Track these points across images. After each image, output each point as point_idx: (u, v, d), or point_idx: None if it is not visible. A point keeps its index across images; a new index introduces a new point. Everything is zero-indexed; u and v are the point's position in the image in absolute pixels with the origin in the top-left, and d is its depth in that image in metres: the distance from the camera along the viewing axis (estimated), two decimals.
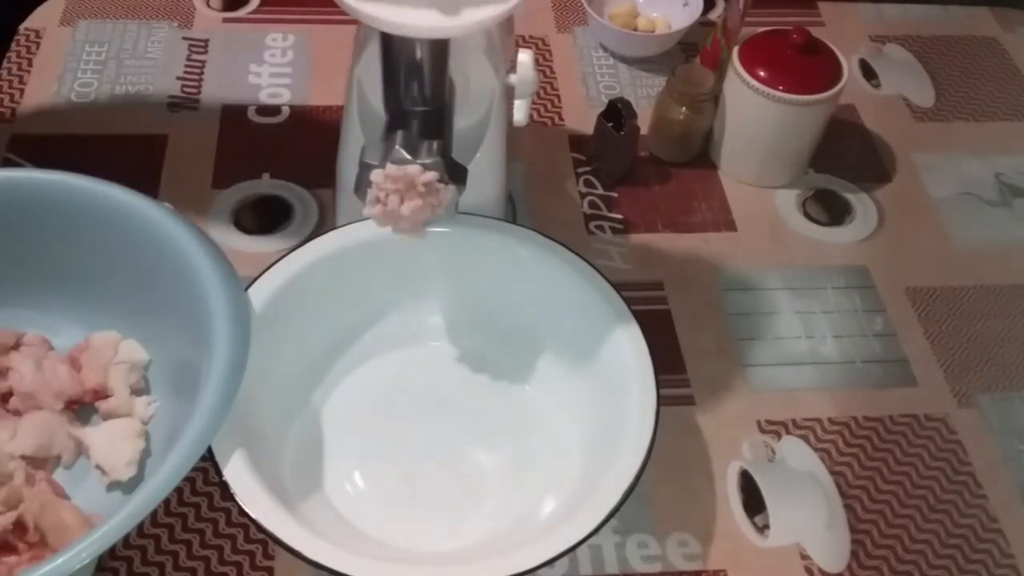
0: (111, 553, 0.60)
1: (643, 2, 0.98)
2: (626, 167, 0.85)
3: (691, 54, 0.95)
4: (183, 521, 0.62)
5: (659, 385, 0.59)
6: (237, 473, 0.53)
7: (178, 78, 0.90)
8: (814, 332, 0.76)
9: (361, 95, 0.65)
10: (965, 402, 0.72)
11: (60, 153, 0.82)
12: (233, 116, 0.87)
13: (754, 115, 0.81)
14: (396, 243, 0.62)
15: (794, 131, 0.82)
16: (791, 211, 0.84)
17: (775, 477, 0.67)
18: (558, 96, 0.92)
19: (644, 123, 0.85)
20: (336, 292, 0.66)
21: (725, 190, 0.85)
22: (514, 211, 0.80)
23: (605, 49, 0.97)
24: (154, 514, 0.60)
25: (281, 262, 0.64)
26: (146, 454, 0.62)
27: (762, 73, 0.79)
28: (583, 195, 0.83)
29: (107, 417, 0.64)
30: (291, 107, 0.88)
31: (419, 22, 0.52)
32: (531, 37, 0.98)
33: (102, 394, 0.64)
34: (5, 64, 0.89)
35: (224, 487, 0.53)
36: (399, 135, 0.57)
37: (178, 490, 0.58)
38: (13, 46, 0.91)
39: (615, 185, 0.84)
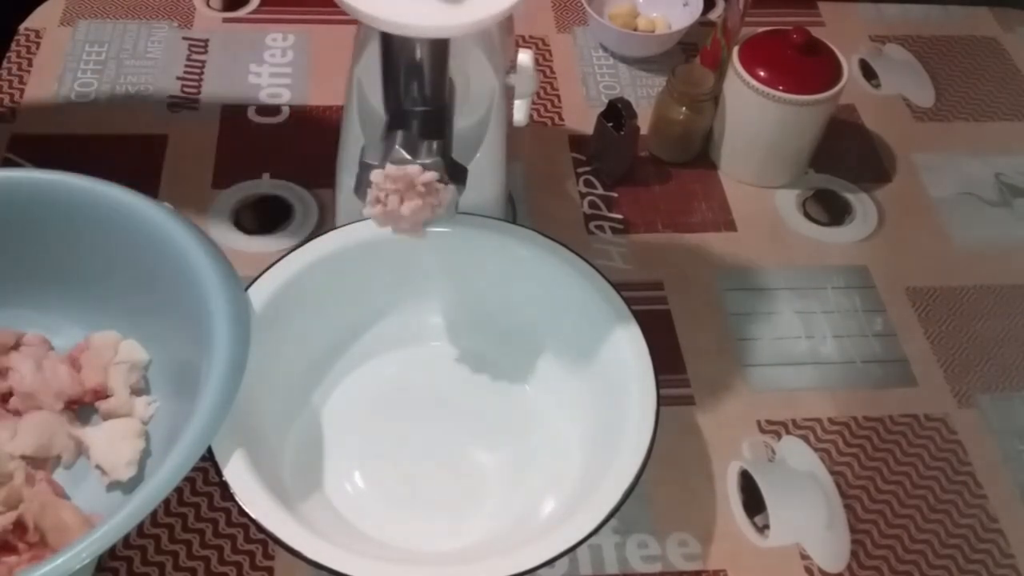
0: (111, 553, 0.60)
1: (643, 2, 0.98)
2: (626, 167, 0.85)
3: (691, 54, 0.95)
4: (183, 521, 0.62)
5: (659, 385, 0.59)
6: (237, 473, 0.53)
7: (178, 78, 0.90)
8: (814, 332, 0.76)
9: (361, 95, 0.65)
10: (965, 402, 0.72)
11: (60, 153, 0.82)
12: (233, 116, 0.87)
13: (754, 115, 0.81)
14: (396, 243, 0.62)
15: (794, 131, 0.82)
16: (791, 211, 0.84)
17: (775, 477, 0.67)
18: (558, 96, 0.92)
19: (644, 123, 0.85)
20: (336, 292, 0.66)
21: (725, 190, 0.85)
22: (514, 211, 0.80)
23: (605, 49, 0.97)
24: (154, 514, 0.60)
25: (281, 262, 0.64)
26: (146, 454, 0.62)
27: (762, 73, 0.79)
28: (583, 195, 0.83)
29: (107, 417, 0.64)
30: (291, 107, 0.88)
31: (419, 22, 0.52)
32: (531, 37, 0.98)
33: (102, 394, 0.64)
34: (5, 64, 0.89)
35: (224, 487, 0.53)
36: (399, 135, 0.57)
37: (178, 490, 0.58)
38: (13, 46, 0.91)
39: (615, 185, 0.84)
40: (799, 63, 0.79)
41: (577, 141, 0.88)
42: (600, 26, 0.95)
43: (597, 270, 0.65)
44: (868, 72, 0.98)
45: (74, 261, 0.65)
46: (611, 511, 0.53)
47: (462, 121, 0.64)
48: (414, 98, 0.59)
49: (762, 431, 0.69)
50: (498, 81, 0.64)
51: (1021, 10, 1.06)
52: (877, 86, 0.97)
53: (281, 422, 0.63)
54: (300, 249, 0.64)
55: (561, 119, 0.90)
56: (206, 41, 0.93)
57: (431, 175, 0.57)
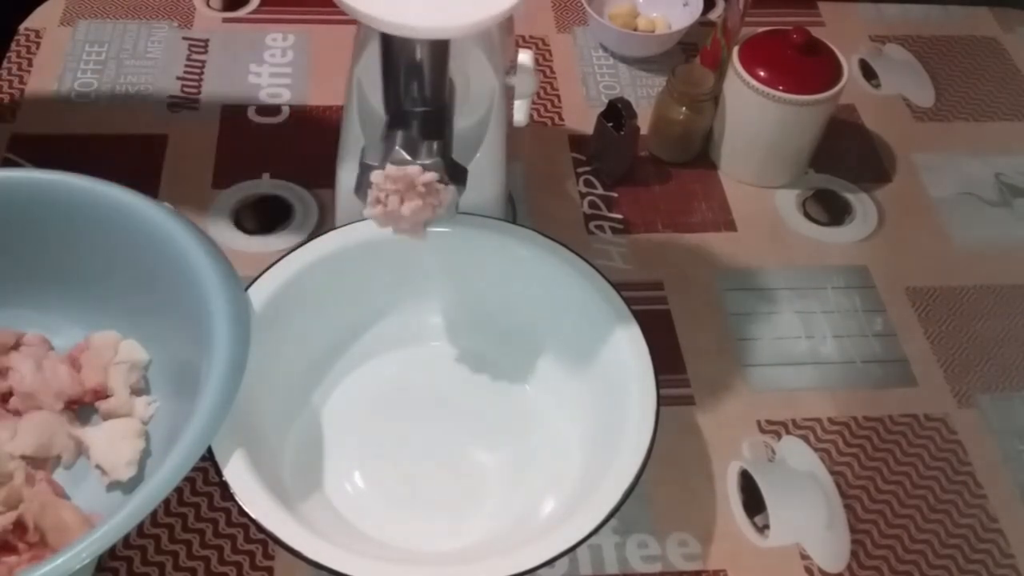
0: (111, 553, 0.60)
1: (643, 2, 0.98)
2: (626, 167, 0.85)
3: (691, 54, 0.95)
4: (183, 521, 0.62)
5: (659, 385, 0.59)
6: (237, 473, 0.53)
7: (178, 78, 0.90)
8: (814, 332, 0.76)
9: (361, 95, 0.65)
10: (965, 402, 0.72)
11: (60, 153, 0.82)
12: (233, 116, 0.87)
13: (754, 115, 0.81)
14: (396, 243, 0.62)
15: (794, 131, 0.82)
16: (791, 211, 0.84)
17: (775, 477, 0.67)
18: (558, 96, 0.92)
19: (644, 123, 0.85)
20: (336, 292, 0.66)
21: (725, 190, 0.85)
22: (514, 211, 0.80)
23: (605, 49, 0.97)
24: (154, 514, 0.60)
25: (281, 262, 0.64)
26: (146, 454, 0.62)
27: (762, 73, 0.79)
28: (583, 195, 0.83)
29: (107, 417, 0.64)
30: (291, 107, 0.88)
31: (419, 23, 0.52)
32: (531, 37, 0.98)
33: (102, 394, 0.64)
34: (5, 64, 0.89)
35: (224, 487, 0.53)
36: (399, 135, 0.57)
37: (178, 490, 0.58)
38: (13, 46, 0.91)
39: (615, 185, 0.84)
40: (799, 63, 0.79)
41: (577, 141, 0.88)
42: (600, 26, 0.95)
43: (597, 270, 0.65)
44: (868, 72, 0.98)
45: (74, 261, 0.65)
46: (611, 511, 0.53)
47: (462, 121, 0.64)
48: (414, 98, 0.59)
49: (762, 431, 0.69)
50: (498, 81, 0.64)
51: (1021, 10, 1.06)
52: (877, 86, 0.97)
53: (281, 422, 0.63)
54: (300, 249, 0.64)
55: (561, 119, 0.90)
56: (206, 41, 0.93)
57: (431, 176, 0.57)
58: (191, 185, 0.80)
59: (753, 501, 0.66)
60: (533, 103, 0.89)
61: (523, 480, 0.63)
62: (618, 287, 0.64)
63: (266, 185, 0.81)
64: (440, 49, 0.57)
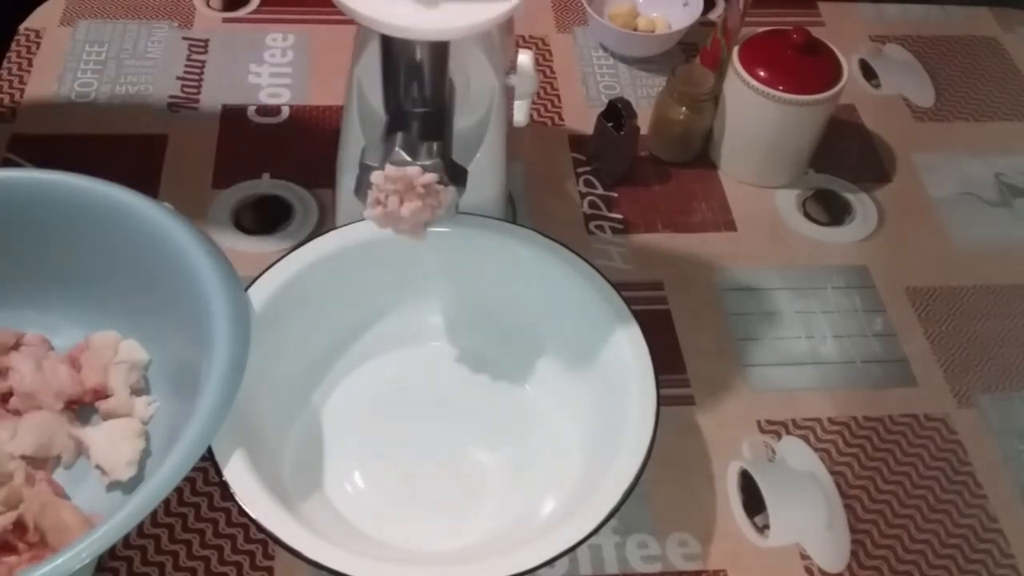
0: (111, 553, 0.60)
1: (643, 2, 0.98)
2: (626, 167, 0.85)
3: (691, 54, 0.95)
4: (183, 521, 0.62)
5: (659, 385, 0.59)
6: (237, 473, 0.53)
7: (178, 78, 0.90)
8: (814, 332, 0.76)
9: (361, 95, 0.65)
10: (965, 402, 0.72)
11: (60, 153, 0.82)
12: (233, 116, 0.87)
13: (754, 115, 0.81)
14: (396, 243, 0.62)
15: (794, 131, 0.82)
16: (791, 211, 0.84)
17: (775, 477, 0.67)
18: (558, 96, 0.92)
19: (644, 123, 0.85)
20: (336, 292, 0.66)
21: (725, 190, 0.85)
22: (514, 211, 0.80)
23: (605, 49, 0.97)
24: (154, 514, 0.60)
25: (281, 262, 0.64)
26: (146, 454, 0.62)
27: (762, 73, 0.79)
28: (583, 195, 0.83)
29: (107, 417, 0.64)
30: (291, 107, 0.88)
31: (419, 25, 0.52)
32: (531, 37, 0.98)
33: (102, 394, 0.64)
34: (5, 64, 0.89)
35: (224, 487, 0.53)
36: (399, 136, 0.57)
37: (178, 490, 0.58)
38: (13, 46, 0.91)
39: (615, 185, 0.84)
40: (799, 63, 0.79)
41: (577, 141, 0.88)
42: (600, 26, 0.95)
43: (597, 270, 0.65)
44: (868, 72, 0.98)
45: (74, 261, 0.65)
46: (611, 511, 0.53)
47: (462, 121, 0.64)
48: (414, 99, 0.59)
49: (762, 431, 0.69)
50: (498, 81, 0.64)
51: (1021, 10, 1.06)
52: (877, 86, 0.97)
53: (281, 422, 0.63)
54: (300, 249, 0.64)
55: (561, 119, 0.90)
56: (206, 41, 0.93)
57: (431, 177, 0.57)
58: (191, 185, 0.80)
59: (753, 501, 0.66)
60: (533, 103, 0.89)
61: (523, 480, 0.63)
62: (618, 287, 0.64)
63: (266, 185, 0.81)
64: (440, 50, 0.57)
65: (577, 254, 0.65)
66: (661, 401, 0.58)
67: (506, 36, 0.68)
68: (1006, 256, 0.83)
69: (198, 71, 0.90)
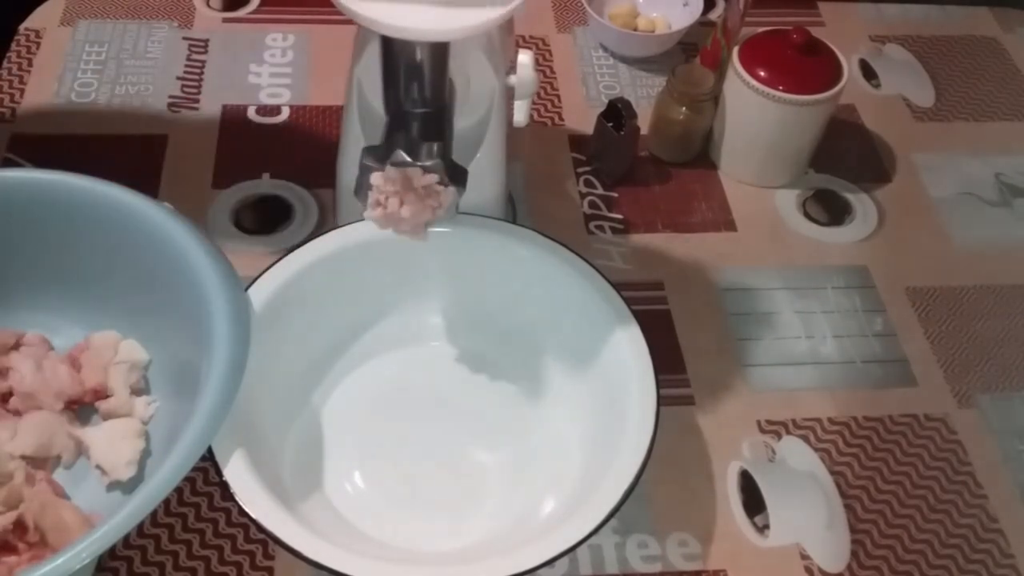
0: (111, 553, 0.60)
1: (643, 2, 0.98)
2: (626, 167, 0.85)
3: (691, 54, 0.95)
4: (183, 521, 0.62)
5: (659, 385, 0.59)
6: (237, 473, 0.53)
7: (178, 78, 0.90)
8: (814, 332, 0.76)
9: (361, 95, 0.65)
10: (965, 402, 0.72)
11: (60, 153, 0.82)
12: (233, 116, 0.87)
13: (754, 115, 0.81)
14: (396, 243, 0.62)
15: (794, 131, 0.82)
16: (791, 211, 0.84)
17: (775, 477, 0.67)
18: (558, 96, 0.92)
19: (644, 123, 0.85)
20: (336, 292, 0.66)
21: (725, 190, 0.85)
22: (514, 211, 0.80)
23: (605, 49, 0.97)
24: (154, 514, 0.60)
25: (281, 262, 0.64)
26: (146, 454, 0.62)
27: (762, 73, 0.79)
28: (583, 195, 0.83)
29: (107, 417, 0.64)
30: (291, 107, 0.88)
31: (419, 25, 0.52)
32: (531, 37, 0.98)
33: (102, 394, 0.64)
34: (5, 64, 0.89)
35: (224, 487, 0.53)
36: (399, 137, 0.57)
37: (178, 490, 0.58)
38: (13, 46, 0.91)
39: (615, 185, 0.84)
40: (799, 63, 0.79)
41: (577, 141, 0.88)
42: (600, 26, 0.95)
43: (597, 270, 0.65)
44: (868, 72, 0.98)
45: (74, 261, 0.65)
46: (611, 511, 0.53)
47: (462, 122, 0.64)
48: (414, 100, 0.58)
49: (762, 431, 0.69)
50: (498, 82, 0.64)
51: (1021, 10, 1.06)
52: (877, 86, 0.97)
53: (281, 422, 0.63)
54: (300, 249, 0.64)
55: (561, 119, 0.90)
56: (206, 41, 0.93)
57: (431, 177, 0.57)
58: (191, 185, 0.80)
59: (753, 501, 0.66)
60: (533, 103, 0.89)
61: (523, 480, 0.63)
62: (618, 287, 0.64)
63: (266, 185, 0.81)
64: (440, 51, 0.57)
65: (577, 254, 0.65)
66: (661, 401, 0.58)
67: (506, 36, 0.68)
68: (1006, 256, 0.83)
69: (198, 71, 0.90)
